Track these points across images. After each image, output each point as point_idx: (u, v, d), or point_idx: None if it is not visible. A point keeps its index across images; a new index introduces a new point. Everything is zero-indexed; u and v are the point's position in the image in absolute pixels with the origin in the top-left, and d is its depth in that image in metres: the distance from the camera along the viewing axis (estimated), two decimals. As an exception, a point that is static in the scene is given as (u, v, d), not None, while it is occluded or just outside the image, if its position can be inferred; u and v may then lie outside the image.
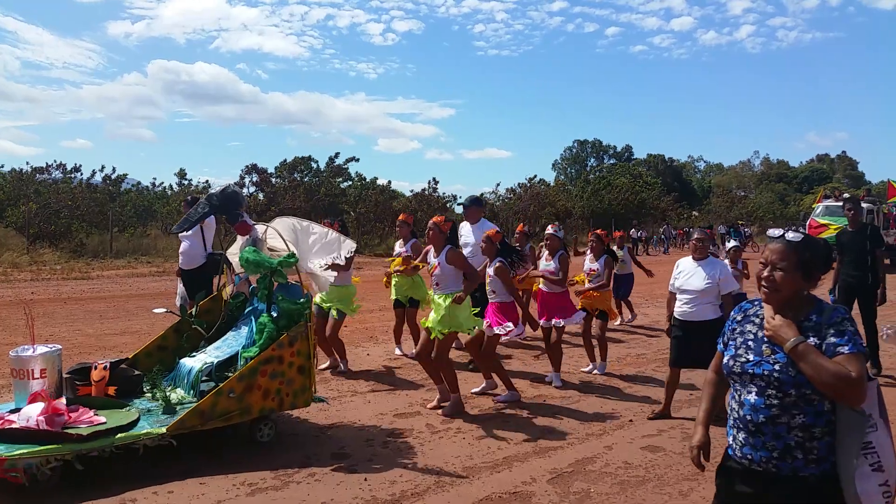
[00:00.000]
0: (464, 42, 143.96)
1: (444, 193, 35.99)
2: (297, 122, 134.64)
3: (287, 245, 5.41)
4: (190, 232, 8.73)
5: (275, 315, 5.28)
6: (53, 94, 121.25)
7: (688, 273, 5.99)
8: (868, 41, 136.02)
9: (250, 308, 5.73)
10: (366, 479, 4.55)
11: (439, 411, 6.06)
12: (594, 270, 7.93)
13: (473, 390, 6.71)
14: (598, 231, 8.44)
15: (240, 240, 5.90)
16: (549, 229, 7.51)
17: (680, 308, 5.95)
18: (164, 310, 6.51)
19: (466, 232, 7.60)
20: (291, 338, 5.08)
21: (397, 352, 8.54)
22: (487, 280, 6.53)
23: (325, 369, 7.54)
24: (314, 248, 5.64)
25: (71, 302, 12.74)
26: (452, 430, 5.64)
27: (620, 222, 39.84)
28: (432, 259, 6.18)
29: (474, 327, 6.19)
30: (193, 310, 5.92)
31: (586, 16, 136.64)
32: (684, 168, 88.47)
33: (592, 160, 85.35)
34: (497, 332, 6.35)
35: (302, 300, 5.26)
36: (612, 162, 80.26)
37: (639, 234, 38.64)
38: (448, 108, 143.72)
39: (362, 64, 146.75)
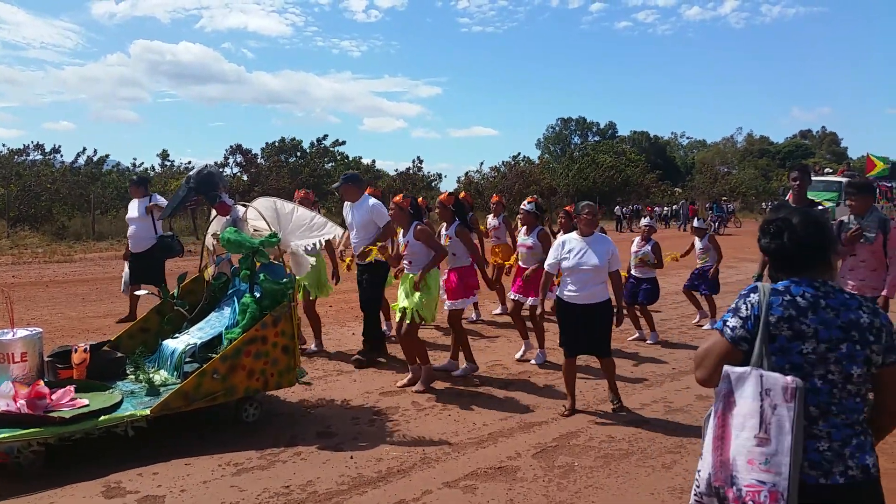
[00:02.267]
0: (448, 18, 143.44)
1: (429, 172, 35.93)
2: (283, 102, 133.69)
3: (269, 225, 5.39)
4: (136, 215, 8.71)
5: (258, 295, 5.25)
6: (33, 76, 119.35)
7: (578, 251, 5.38)
8: (852, 15, 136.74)
9: (233, 289, 5.71)
10: (352, 457, 4.57)
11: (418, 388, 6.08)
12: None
13: (455, 373, 6.64)
14: (567, 208, 8.27)
15: (220, 220, 5.85)
16: (524, 205, 7.47)
17: (570, 291, 5.38)
18: (146, 292, 6.48)
19: (346, 211, 7.16)
20: (275, 318, 5.06)
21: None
22: (446, 243, 6.57)
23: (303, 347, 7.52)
24: (297, 229, 5.60)
25: (53, 285, 12.62)
26: (438, 407, 5.67)
27: (605, 199, 39.97)
28: (401, 238, 6.22)
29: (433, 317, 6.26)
30: (175, 291, 5.87)
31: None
32: (668, 145, 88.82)
33: (576, 138, 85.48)
34: (452, 306, 6.47)
35: (285, 280, 5.24)
36: (596, 139, 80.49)
37: (622, 210, 38.84)
38: (434, 87, 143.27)
39: (346, 41, 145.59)
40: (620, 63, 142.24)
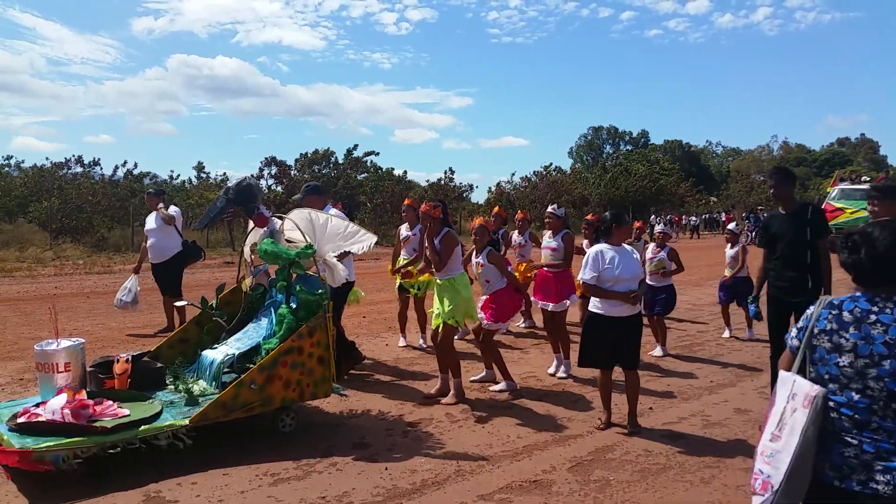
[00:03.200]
0: (478, 30, 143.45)
1: (460, 183, 35.96)
2: (315, 115, 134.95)
3: (304, 236, 5.44)
4: (155, 226, 8.89)
5: (294, 306, 5.31)
6: (74, 90, 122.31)
7: (619, 262, 5.15)
8: (889, 21, 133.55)
9: (270, 300, 5.76)
10: (386, 469, 4.58)
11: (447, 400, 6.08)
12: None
13: (472, 378, 6.70)
14: (589, 217, 8.17)
15: (257, 232, 5.91)
16: (550, 208, 7.42)
17: (610, 304, 5.14)
18: (186, 302, 6.58)
19: None
20: (311, 328, 5.12)
21: (401, 342, 8.50)
22: (479, 270, 6.41)
23: None
24: (332, 240, 5.64)
25: (94, 296, 12.90)
26: (472, 419, 5.66)
27: (638, 209, 39.60)
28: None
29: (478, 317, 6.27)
30: (214, 302, 5.96)
31: (601, 1, 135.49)
32: (702, 153, 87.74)
33: (608, 147, 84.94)
34: (488, 327, 6.33)
35: (320, 291, 5.29)
36: (628, 148, 79.85)
37: (658, 220, 38.39)
38: (465, 98, 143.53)
39: (377, 54, 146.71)
40: (652, 71, 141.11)
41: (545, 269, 7.31)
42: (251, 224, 6.00)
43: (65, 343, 5.02)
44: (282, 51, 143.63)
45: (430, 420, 5.62)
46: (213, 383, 5.27)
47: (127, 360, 5.31)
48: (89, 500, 4.05)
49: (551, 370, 7.15)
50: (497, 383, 6.50)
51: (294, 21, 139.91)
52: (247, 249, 6.09)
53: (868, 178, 28.92)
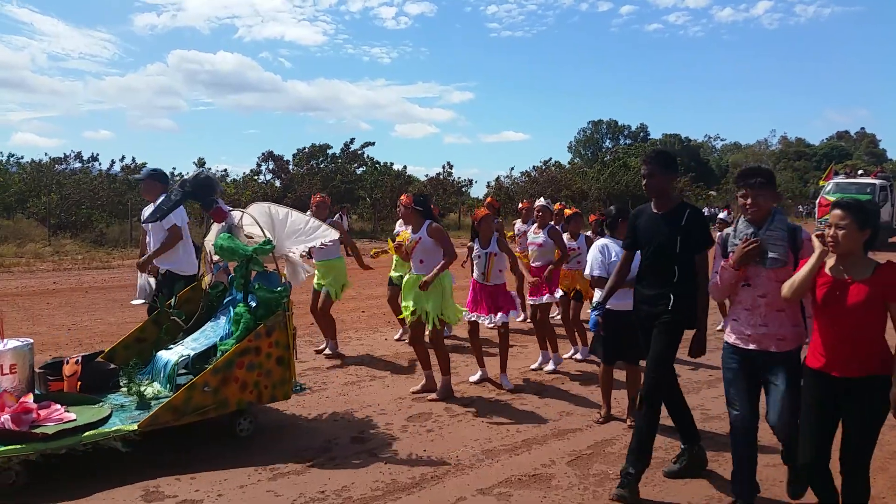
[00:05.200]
0: (477, 24, 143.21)
1: (459, 178, 35.88)
2: (316, 109, 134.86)
3: (263, 231, 5.24)
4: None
5: (253, 304, 5.13)
6: (73, 85, 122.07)
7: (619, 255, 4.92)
8: (889, 14, 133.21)
9: (229, 298, 5.59)
10: (386, 463, 4.58)
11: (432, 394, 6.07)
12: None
13: (472, 378, 6.61)
14: (593, 217, 8.08)
15: (216, 227, 5.68)
16: (541, 200, 7.39)
17: (617, 298, 4.84)
18: (142, 301, 6.43)
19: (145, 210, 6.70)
20: (269, 328, 4.93)
21: (397, 336, 8.57)
22: (475, 261, 6.41)
23: (320, 351, 7.67)
24: (292, 235, 5.43)
25: (93, 291, 12.89)
26: (471, 413, 5.66)
27: (637, 203, 39.55)
28: (413, 236, 6.09)
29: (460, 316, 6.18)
30: (172, 300, 5.71)
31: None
32: (701, 147, 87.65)
33: (608, 141, 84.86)
34: (485, 322, 6.35)
35: (280, 288, 5.09)
36: (627, 142, 79.78)
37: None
38: (466, 92, 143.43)
39: (376, 48, 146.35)
40: (651, 65, 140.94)
41: (532, 264, 7.29)
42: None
43: (11, 343, 4.74)
44: (283, 46, 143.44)
45: (429, 414, 5.62)
46: (168, 385, 5.06)
47: (77, 362, 5.04)
48: (88, 497, 4.04)
49: (534, 366, 7.12)
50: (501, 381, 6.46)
51: (293, 16, 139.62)
52: (207, 245, 5.83)
53: (863, 172, 28.90)
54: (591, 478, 4.38)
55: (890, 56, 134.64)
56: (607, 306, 4.91)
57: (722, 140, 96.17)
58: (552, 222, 7.39)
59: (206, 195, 5.62)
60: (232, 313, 5.29)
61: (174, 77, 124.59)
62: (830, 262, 3.27)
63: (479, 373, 6.62)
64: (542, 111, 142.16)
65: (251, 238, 5.46)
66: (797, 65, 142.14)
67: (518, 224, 9.47)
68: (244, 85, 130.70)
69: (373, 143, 35.05)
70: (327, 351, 7.61)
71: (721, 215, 9.40)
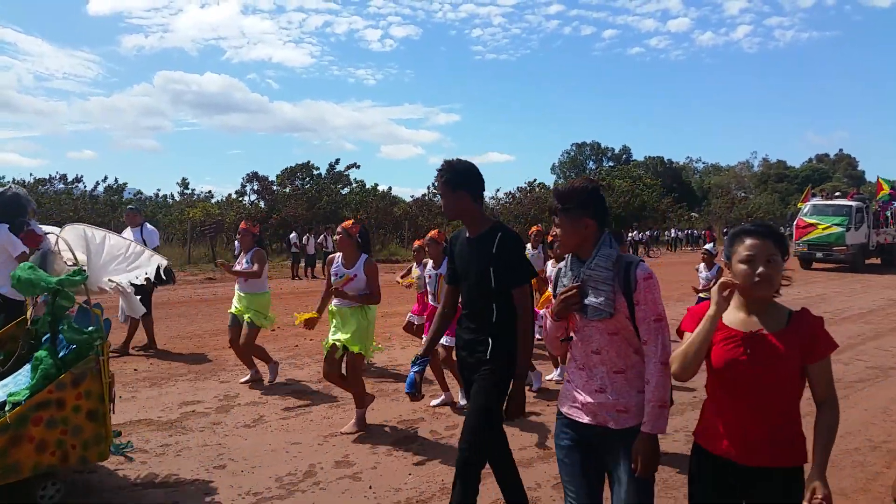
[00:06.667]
0: (461, 46, 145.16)
1: (444, 199, 35.96)
2: (301, 130, 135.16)
3: (76, 258, 4.41)
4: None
5: (65, 346, 4.21)
6: (56, 105, 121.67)
7: None
8: (866, 39, 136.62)
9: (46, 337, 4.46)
10: (370, 487, 4.55)
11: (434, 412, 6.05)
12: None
13: (433, 402, 6.58)
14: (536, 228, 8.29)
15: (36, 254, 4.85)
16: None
17: None
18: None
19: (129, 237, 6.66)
20: (76, 376, 4.02)
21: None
22: (426, 281, 6.65)
23: (245, 382, 7.27)
24: (111, 262, 4.59)
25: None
26: (455, 436, 5.63)
27: (621, 225, 39.87)
28: (344, 270, 5.69)
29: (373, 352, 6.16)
30: None
31: (583, 18, 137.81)
32: (683, 169, 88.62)
33: (591, 163, 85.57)
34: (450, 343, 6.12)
35: (91, 328, 4.17)
36: (610, 164, 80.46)
37: (640, 236, 38.80)
38: (452, 115, 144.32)
39: (361, 70, 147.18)
40: (634, 89, 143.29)
41: None
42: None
43: None
44: (270, 67, 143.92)
45: (413, 438, 5.60)
46: None
47: None
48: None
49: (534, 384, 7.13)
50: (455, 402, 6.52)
51: (279, 38, 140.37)
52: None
53: (839, 194, 29.29)
54: (576, 501, 4.37)
55: (866, 79, 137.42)
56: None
57: (703, 162, 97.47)
58: (529, 245, 7.46)
59: (13, 216, 4.96)
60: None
61: (160, 98, 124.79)
62: (733, 311, 2.48)
63: (442, 396, 6.63)
64: (527, 133, 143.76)
65: (76, 265, 4.47)
66: (777, 87, 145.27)
67: (529, 248, 9.29)
68: (231, 105, 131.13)
69: (358, 166, 35.17)
70: (266, 381, 7.30)
71: (707, 246, 9.17)
